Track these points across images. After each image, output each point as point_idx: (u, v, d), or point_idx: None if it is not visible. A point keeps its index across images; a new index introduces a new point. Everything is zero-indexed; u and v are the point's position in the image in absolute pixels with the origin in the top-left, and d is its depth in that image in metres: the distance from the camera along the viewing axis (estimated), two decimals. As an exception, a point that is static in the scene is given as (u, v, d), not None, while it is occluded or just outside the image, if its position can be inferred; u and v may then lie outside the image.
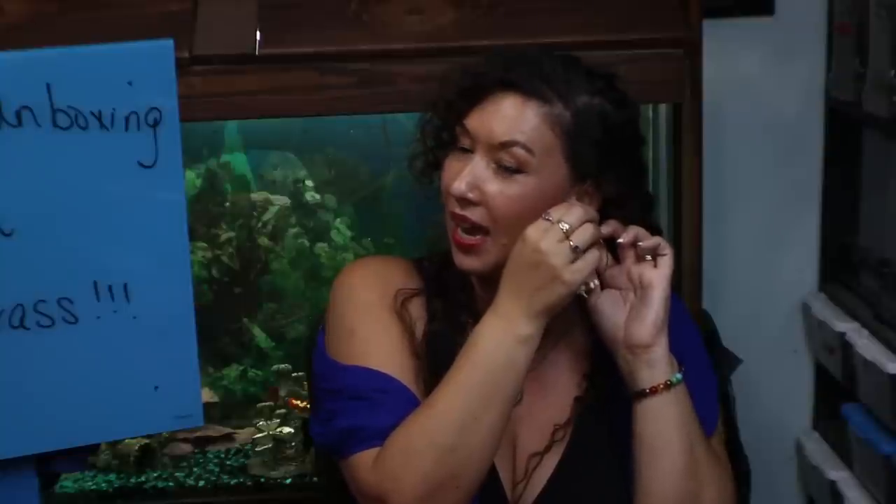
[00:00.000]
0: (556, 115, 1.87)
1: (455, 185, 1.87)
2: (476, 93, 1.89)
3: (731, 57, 3.07)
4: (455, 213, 1.89)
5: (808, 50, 3.20)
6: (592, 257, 1.84)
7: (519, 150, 1.85)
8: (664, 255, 1.91)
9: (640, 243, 1.91)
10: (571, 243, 1.81)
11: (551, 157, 1.87)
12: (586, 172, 1.89)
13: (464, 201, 1.87)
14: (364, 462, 1.88)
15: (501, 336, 1.83)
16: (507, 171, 1.86)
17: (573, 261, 1.82)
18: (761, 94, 3.19)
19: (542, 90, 1.87)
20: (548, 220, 1.82)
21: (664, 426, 1.90)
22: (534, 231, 1.82)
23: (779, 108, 3.22)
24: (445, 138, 1.94)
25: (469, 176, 1.86)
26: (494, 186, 1.86)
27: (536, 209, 1.85)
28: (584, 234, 1.83)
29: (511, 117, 1.86)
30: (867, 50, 2.93)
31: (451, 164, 1.92)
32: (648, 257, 1.92)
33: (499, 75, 1.88)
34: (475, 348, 1.84)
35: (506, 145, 1.86)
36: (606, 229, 1.90)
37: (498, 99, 1.88)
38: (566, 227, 1.81)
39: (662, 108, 2.68)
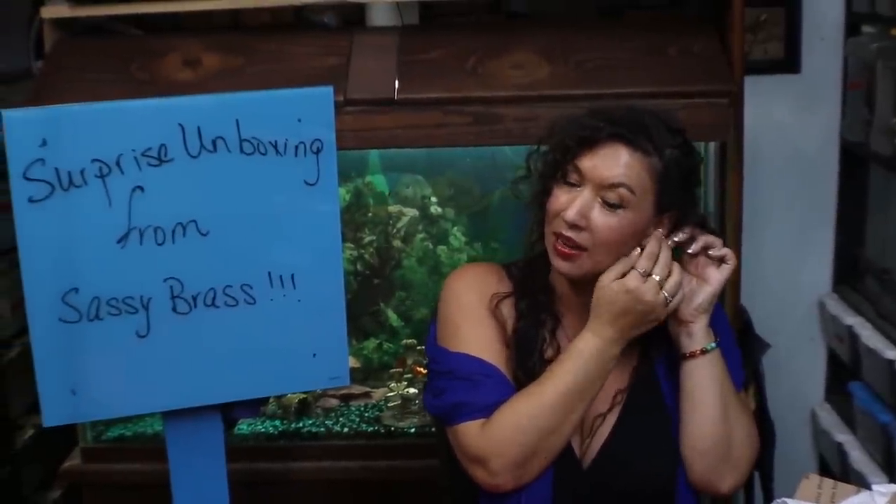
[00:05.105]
0: (653, 164, 1.86)
1: (569, 212, 1.85)
2: (590, 141, 1.87)
3: (766, 106, 3.05)
4: (561, 234, 1.88)
5: (827, 101, 3.17)
6: (679, 298, 1.89)
7: (624, 191, 1.84)
8: (728, 264, 1.93)
9: (712, 251, 1.92)
10: (666, 295, 1.86)
11: (645, 196, 1.86)
12: (667, 207, 1.89)
13: (573, 226, 1.86)
14: (468, 430, 1.89)
15: (600, 355, 1.87)
16: (611, 205, 1.85)
17: (667, 304, 1.87)
18: (789, 136, 3.16)
19: (644, 144, 1.86)
20: (644, 273, 1.85)
21: (701, 382, 1.91)
22: (636, 284, 1.85)
23: (803, 146, 3.18)
24: (556, 172, 1.92)
25: (579, 206, 1.85)
26: (600, 217, 1.85)
27: (628, 236, 1.86)
28: (674, 283, 1.87)
29: (620, 164, 1.85)
30: (874, 102, 2.90)
31: (560, 194, 1.90)
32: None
33: (612, 129, 1.86)
34: (579, 360, 1.87)
35: (614, 186, 1.84)
36: (683, 235, 1.92)
37: (609, 147, 1.86)
38: (658, 278, 1.85)
39: (711, 145, 2.64)
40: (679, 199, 1.90)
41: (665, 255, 1.88)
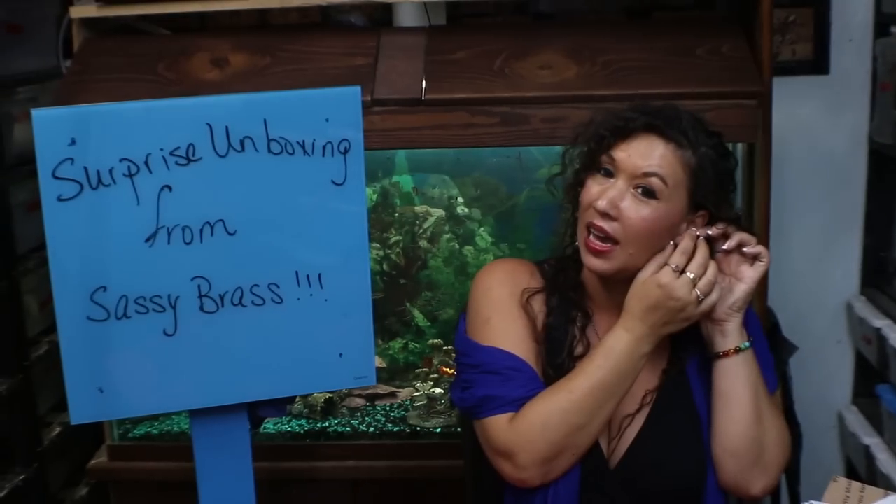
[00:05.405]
0: (687, 158, 1.86)
1: (600, 201, 1.85)
2: (625, 131, 1.88)
3: (794, 107, 3.03)
4: (594, 224, 1.87)
5: (855, 102, 3.14)
6: (713, 298, 1.87)
7: (656, 180, 1.84)
8: (762, 261, 1.92)
9: (746, 249, 1.91)
10: (698, 293, 1.85)
11: (678, 189, 1.85)
12: (701, 204, 1.89)
13: (604, 215, 1.85)
14: (496, 424, 1.88)
15: (631, 352, 1.86)
16: (644, 195, 1.84)
17: (699, 303, 1.86)
18: (818, 137, 3.14)
19: (678, 137, 1.86)
20: (676, 269, 1.85)
21: (734, 381, 1.90)
22: (668, 279, 1.84)
23: (831, 147, 3.16)
24: (590, 163, 1.92)
25: (612, 195, 1.85)
26: (632, 206, 1.84)
27: (661, 229, 1.86)
28: (707, 282, 1.86)
29: (654, 154, 1.85)
30: (904, 104, 2.88)
31: (593, 184, 1.90)
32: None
33: (647, 120, 1.87)
34: (610, 356, 1.86)
35: (647, 175, 1.84)
36: (717, 231, 1.91)
37: (643, 138, 1.86)
38: (692, 276, 1.84)
39: (739, 146, 2.63)
40: (713, 197, 1.89)
41: (701, 253, 1.87)
